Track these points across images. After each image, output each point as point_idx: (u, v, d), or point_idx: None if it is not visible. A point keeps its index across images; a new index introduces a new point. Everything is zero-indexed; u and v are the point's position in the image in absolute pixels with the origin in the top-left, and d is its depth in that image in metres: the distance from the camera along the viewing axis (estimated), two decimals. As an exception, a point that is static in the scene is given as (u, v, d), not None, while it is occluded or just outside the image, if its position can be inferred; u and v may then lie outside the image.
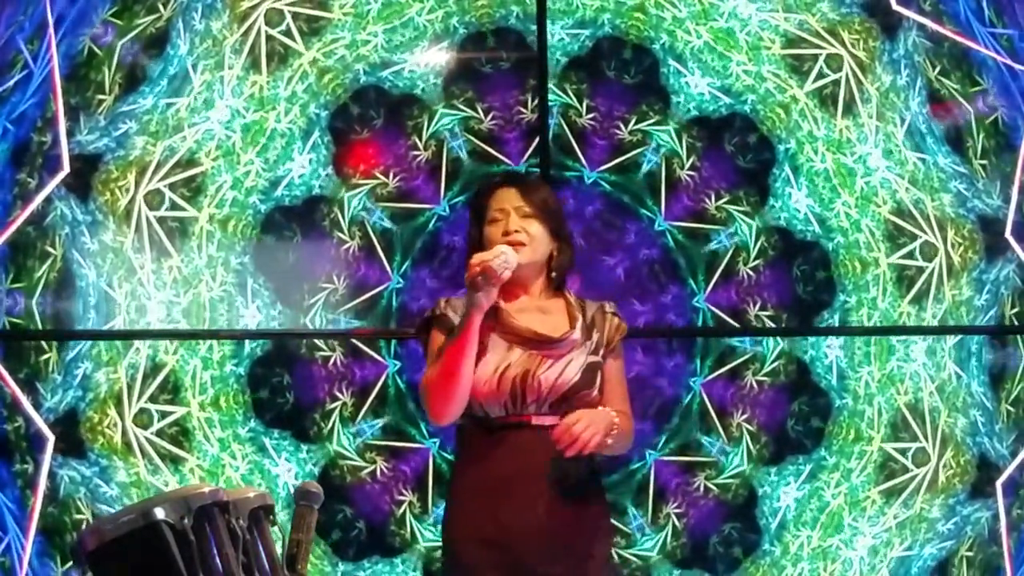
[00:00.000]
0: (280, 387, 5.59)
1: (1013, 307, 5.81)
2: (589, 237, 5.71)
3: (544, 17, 5.65)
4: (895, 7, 5.79)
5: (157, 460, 5.47)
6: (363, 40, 5.66)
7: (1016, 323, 5.80)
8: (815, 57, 5.78)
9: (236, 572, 2.76)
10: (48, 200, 5.48)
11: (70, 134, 5.50)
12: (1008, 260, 5.81)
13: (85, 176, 5.52)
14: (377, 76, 5.68)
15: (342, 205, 5.63)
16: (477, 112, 5.71)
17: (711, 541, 5.71)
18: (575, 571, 4.05)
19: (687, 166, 5.76)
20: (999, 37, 5.83)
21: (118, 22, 5.57)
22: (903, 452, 5.73)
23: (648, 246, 5.75)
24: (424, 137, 5.68)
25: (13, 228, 5.47)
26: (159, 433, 5.49)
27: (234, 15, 5.62)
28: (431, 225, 5.65)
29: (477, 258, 3.99)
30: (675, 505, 5.70)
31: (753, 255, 5.75)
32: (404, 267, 5.65)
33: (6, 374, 5.44)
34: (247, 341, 5.56)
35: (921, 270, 5.77)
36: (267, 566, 2.95)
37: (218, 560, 2.75)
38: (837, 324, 5.76)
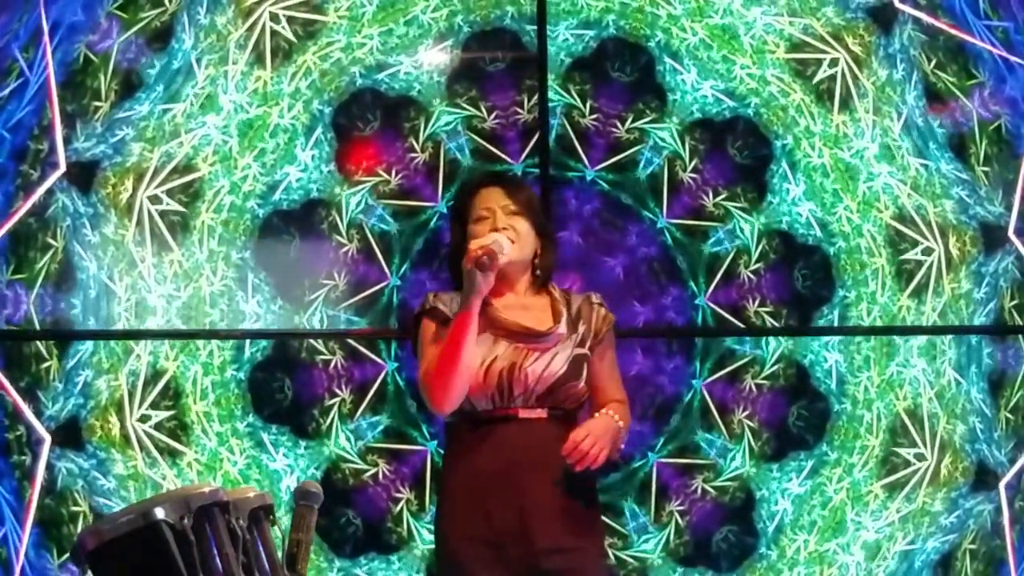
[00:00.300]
0: (280, 387, 5.59)
1: (1012, 299, 5.81)
2: (590, 237, 5.71)
3: (544, 17, 5.65)
4: (898, 5, 5.79)
5: (155, 453, 5.47)
6: (358, 43, 5.66)
7: (1016, 316, 5.79)
8: (819, 62, 5.77)
9: (236, 572, 2.76)
10: (50, 192, 5.48)
11: (67, 141, 5.49)
12: (1007, 252, 5.81)
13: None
14: (373, 79, 5.67)
15: (340, 208, 5.62)
16: (480, 111, 5.71)
17: (714, 539, 5.71)
18: (567, 565, 4.05)
19: (690, 168, 5.75)
20: (995, 30, 5.83)
21: (123, 15, 5.57)
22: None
23: (647, 244, 5.75)
24: (421, 139, 5.68)
25: (15, 219, 5.47)
26: (157, 427, 5.49)
27: (239, 10, 5.62)
28: (433, 223, 5.65)
29: (476, 243, 4.01)
30: (678, 503, 5.70)
31: (754, 258, 5.75)
32: (403, 269, 5.65)
33: (7, 382, 5.44)
34: (247, 345, 5.55)
35: (920, 264, 5.77)
36: (267, 566, 2.95)
37: (218, 560, 2.75)
38: (836, 319, 5.75)
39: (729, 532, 5.71)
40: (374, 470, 5.59)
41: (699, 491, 5.71)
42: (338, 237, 5.62)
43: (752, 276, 5.75)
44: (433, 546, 5.42)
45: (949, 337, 5.78)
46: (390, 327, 5.62)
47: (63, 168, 5.49)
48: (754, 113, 5.77)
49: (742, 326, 5.74)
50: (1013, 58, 5.81)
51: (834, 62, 5.77)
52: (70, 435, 5.46)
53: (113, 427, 5.47)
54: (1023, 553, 5.74)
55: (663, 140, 5.75)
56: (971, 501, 5.75)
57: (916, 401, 5.75)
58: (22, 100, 5.48)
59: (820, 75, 5.77)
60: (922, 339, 5.77)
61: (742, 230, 5.75)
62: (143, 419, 5.48)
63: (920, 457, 5.74)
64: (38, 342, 5.48)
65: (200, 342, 5.54)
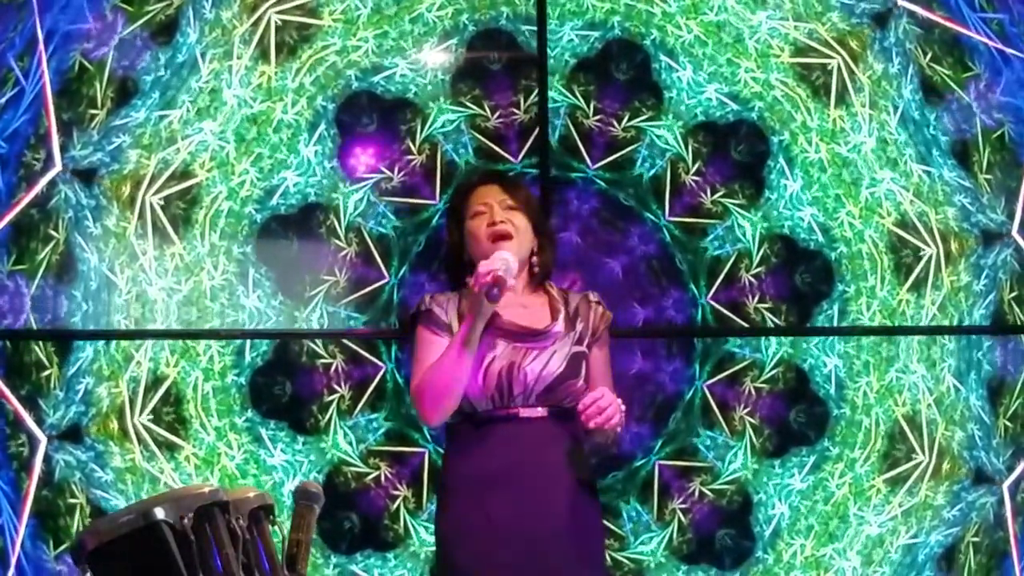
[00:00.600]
0: (281, 388, 5.60)
1: (1012, 291, 5.82)
2: (589, 237, 5.71)
3: (544, 18, 5.65)
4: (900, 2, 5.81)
5: (153, 447, 5.47)
6: (353, 46, 5.66)
7: (1015, 308, 5.79)
8: (823, 67, 5.77)
9: (236, 572, 2.77)
10: (52, 183, 5.48)
11: (63, 149, 5.49)
12: (1006, 244, 5.81)
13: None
14: (369, 82, 5.67)
15: (338, 211, 5.62)
16: (484, 109, 5.70)
17: (717, 536, 5.71)
18: (568, 565, 4.05)
19: (692, 171, 5.75)
20: (989, 22, 5.83)
21: (128, 8, 5.57)
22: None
23: (646, 242, 5.74)
24: (418, 141, 5.67)
25: (17, 210, 5.47)
26: (156, 421, 5.49)
27: (244, 5, 5.62)
28: (435, 221, 5.65)
29: (484, 267, 3.99)
30: (680, 501, 5.70)
31: (756, 262, 5.75)
32: (402, 272, 5.64)
33: (7, 391, 5.44)
34: (248, 350, 5.55)
35: (919, 258, 5.77)
36: (267, 566, 2.95)
37: (218, 560, 2.75)
38: (836, 314, 5.75)
39: (726, 535, 5.71)
40: (376, 473, 5.59)
41: (696, 494, 5.71)
42: (336, 241, 5.62)
43: (753, 280, 5.75)
44: (429, 544, 5.45)
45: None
46: (390, 326, 5.62)
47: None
48: (758, 117, 5.77)
49: (742, 323, 5.73)
50: (1009, 50, 5.81)
51: (832, 59, 5.78)
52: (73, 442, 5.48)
53: (113, 425, 5.48)
54: (1027, 544, 5.77)
55: (660, 138, 5.75)
56: (973, 494, 5.75)
57: (915, 407, 5.76)
58: (18, 109, 5.48)
59: (817, 70, 5.78)
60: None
61: (743, 231, 5.75)
62: (144, 428, 5.49)
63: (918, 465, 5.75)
64: (38, 350, 5.48)
65: (201, 347, 5.53)
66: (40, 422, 5.44)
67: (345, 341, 5.60)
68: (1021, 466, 5.77)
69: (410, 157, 5.67)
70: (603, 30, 5.75)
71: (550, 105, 5.68)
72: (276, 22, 5.62)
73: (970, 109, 5.83)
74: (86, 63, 5.54)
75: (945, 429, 5.75)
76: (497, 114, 5.70)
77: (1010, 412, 5.80)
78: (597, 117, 5.74)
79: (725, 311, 5.73)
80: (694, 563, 5.70)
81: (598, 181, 5.73)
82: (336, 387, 5.59)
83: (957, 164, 5.81)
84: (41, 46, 5.47)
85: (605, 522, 5.46)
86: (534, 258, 4.23)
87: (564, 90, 5.73)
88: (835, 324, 5.75)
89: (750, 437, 5.71)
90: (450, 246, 4.27)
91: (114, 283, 5.50)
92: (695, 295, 5.73)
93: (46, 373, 5.47)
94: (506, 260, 3.98)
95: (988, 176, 5.82)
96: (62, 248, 5.50)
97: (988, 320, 5.80)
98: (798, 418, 5.76)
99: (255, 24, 5.61)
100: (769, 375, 5.74)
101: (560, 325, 4.15)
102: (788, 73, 5.78)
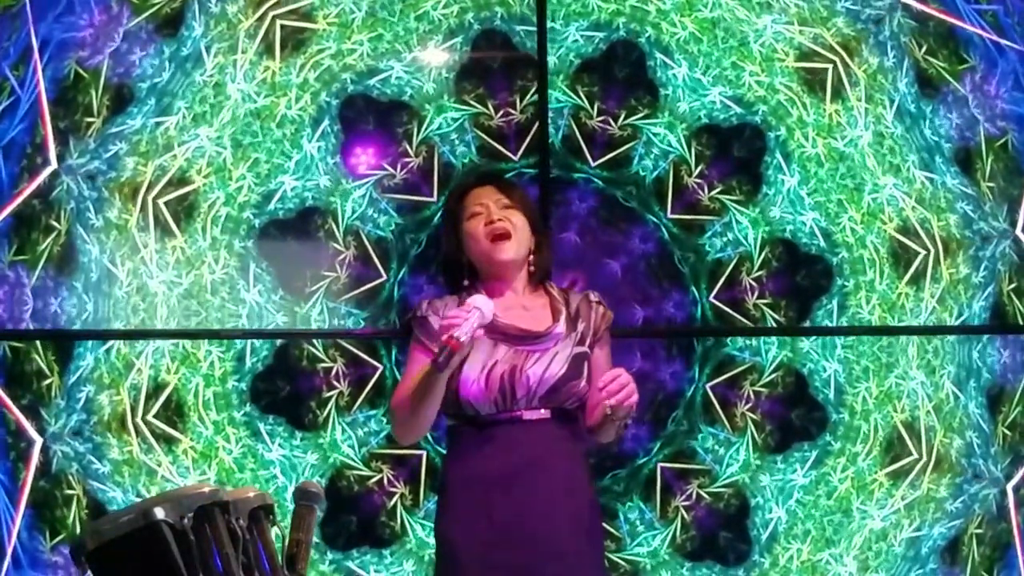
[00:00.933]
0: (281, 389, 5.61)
1: (1011, 283, 5.82)
2: (588, 236, 5.71)
3: (544, 18, 5.64)
4: (902, -2, 5.83)
5: (151, 439, 5.47)
6: (349, 49, 5.65)
7: (1015, 299, 5.79)
8: (826, 68, 5.77)
9: (236, 572, 2.77)
10: (55, 174, 5.48)
11: (60, 158, 5.48)
12: (1004, 236, 5.81)
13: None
14: (364, 84, 5.66)
15: (336, 215, 5.62)
16: (488, 108, 5.70)
17: (720, 533, 5.72)
18: (570, 567, 4.05)
19: (695, 173, 5.75)
20: (984, 14, 5.83)
21: (134, 0, 5.56)
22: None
23: (644, 241, 5.74)
24: (415, 143, 5.67)
25: (19, 200, 5.47)
26: (154, 414, 5.49)
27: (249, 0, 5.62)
28: (436, 219, 5.64)
29: (449, 321, 3.92)
30: (683, 499, 5.70)
31: (757, 265, 5.75)
32: (401, 274, 5.64)
33: (9, 401, 5.44)
34: (248, 355, 5.54)
35: (918, 252, 5.78)
36: (267, 566, 2.95)
37: (218, 560, 2.75)
38: (836, 308, 5.75)
39: (723, 538, 5.72)
40: (379, 476, 5.59)
41: (694, 496, 5.71)
42: (335, 244, 5.62)
43: (754, 283, 5.75)
44: (426, 542, 5.45)
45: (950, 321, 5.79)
46: (391, 324, 5.62)
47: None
48: (761, 120, 5.77)
49: (742, 319, 5.72)
50: (1004, 41, 5.81)
51: (832, 60, 5.78)
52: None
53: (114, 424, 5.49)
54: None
55: (657, 136, 5.74)
56: (976, 486, 5.75)
57: (914, 413, 5.76)
58: (14, 119, 5.48)
59: (821, 74, 5.78)
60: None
61: (743, 231, 5.74)
62: (145, 435, 5.50)
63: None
64: (39, 359, 5.47)
65: (201, 353, 5.53)
66: (42, 431, 5.44)
67: (346, 345, 5.60)
68: (1021, 472, 5.78)
69: (407, 159, 5.67)
70: (608, 31, 5.75)
71: (554, 105, 5.68)
72: (278, 25, 5.62)
73: (974, 117, 5.83)
74: (81, 71, 5.53)
75: (944, 436, 5.75)
76: (501, 113, 5.70)
77: (1009, 420, 5.80)
78: (601, 118, 5.74)
79: (724, 307, 5.73)
80: (698, 560, 5.70)
81: (595, 180, 5.72)
82: (335, 383, 5.59)
83: (960, 171, 5.81)
84: (36, 55, 5.46)
85: (604, 525, 5.49)
86: (531, 256, 4.22)
87: (568, 91, 5.72)
88: (835, 318, 5.74)
89: (752, 433, 5.71)
90: (447, 251, 4.27)
91: (115, 276, 5.50)
92: (696, 297, 5.73)
93: (47, 382, 5.47)
94: (479, 310, 3.93)
95: (991, 184, 5.82)
96: (64, 239, 5.49)
97: (988, 312, 5.80)
98: (796, 422, 5.76)
99: (260, 19, 5.60)
100: (768, 379, 5.73)
101: (561, 326, 4.15)
102: (792, 77, 5.77)
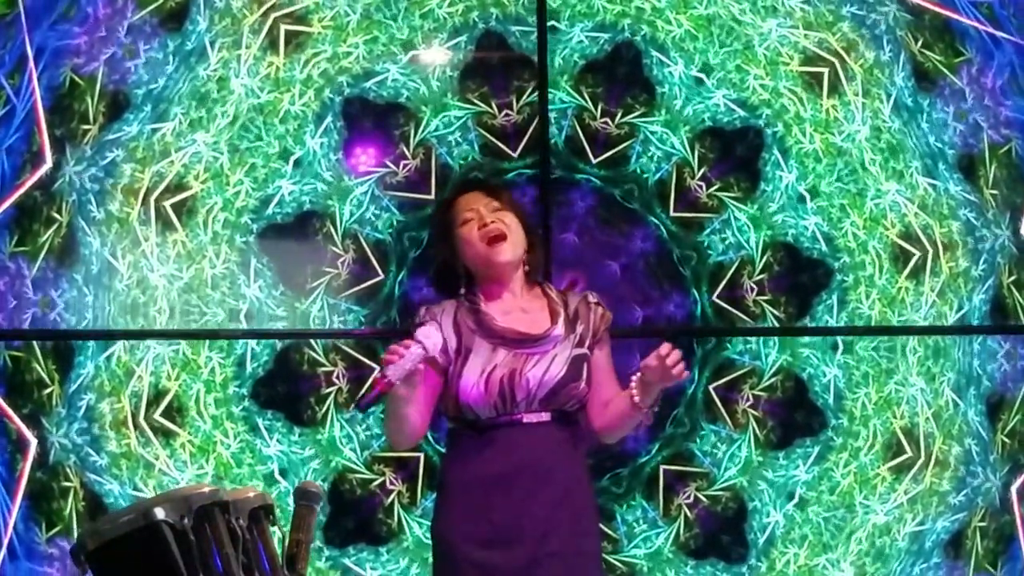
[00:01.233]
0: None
1: (1011, 275, 5.82)
2: (592, 238, 5.71)
3: (544, 18, 5.64)
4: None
5: (149, 433, 5.46)
6: (344, 52, 5.65)
7: (1015, 291, 5.79)
8: (831, 75, 5.78)
9: (236, 572, 2.77)
10: (57, 166, 5.47)
11: (57, 166, 5.48)
12: (1003, 229, 5.82)
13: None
14: (361, 87, 5.66)
15: (334, 219, 5.61)
16: (491, 107, 5.70)
17: (718, 536, 5.72)
18: (569, 569, 4.04)
19: (698, 176, 5.75)
20: (979, 6, 5.84)
21: (138, -5, 5.58)
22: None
23: (643, 240, 5.74)
24: (412, 144, 5.67)
25: (20, 192, 5.46)
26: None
27: (253, -4, 5.63)
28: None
29: (386, 357, 3.94)
30: (686, 496, 5.70)
31: (758, 269, 5.75)
32: (400, 276, 5.63)
33: (10, 411, 5.44)
34: (249, 360, 5.54)
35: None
36: (267, 566, 2.95)
37: (218, 560, 2.75)
38: (836, 303, 5.75)
39: (722, 540, 5.72)
40: (381, 479, 5.59)
41: (692, 499, 5.71)
42: (333, 248, 5.61)
43: (755, 286, 5.75)
44: (423, 539, 5.45)
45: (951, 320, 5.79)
46: (391, 324, 5.61)
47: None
48: (765, 124, 5.77)
49: (742, 316, 5.71)
50: (1000, 33, 5.81)
51: (834, 63, 5.78)
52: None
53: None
54: (1033, 528, 5.78)
55: (654, 134, 5.74)
56: (978, 479, 5.75)
57: (913, 420, 5.76)
58: (10, 127, 5.47)
59: (809, 65, 5.78)
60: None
61: (746, 236, 5.74)
62: (147, 435, 5.50)
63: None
64: (39, 368, 5.47)
65: (202, 359, 5.52)
66: (43, 440, 5.43)
67: (346, 348, 5.59)
68: (1020, 480, 5.79)
69: (405, 161, 5.66)
70: (612, 32, 5.75)
71: (556, 106, 5.67)
72: (280, 26, 5.62)
73: (977, 123, 5.84)
74: (77, 78, 5.52)
75: (943, 443, 5.75)
76: (504, 112, 5.70)
77: (1008, 428, 5.80)
78: (603, 119, 5.74)
79: (724, 304, 5.72)
80: (702, 558, 5.70)
81: (593, 179, 5.72)
82: (334, 380, 5.58)
83: (963, 178, 5.81)
84: (31, 63, 5.46)
85: (601, 526, 5.49)
86: (524, 256, 4.22)
87: (572, 91, 5.72)
88: (835, 313, 5.74)
89: (754, 429, 5.71)
90: (442, 260, 4.27)
91: (115, 269, 5.49)
92: (696, 298, 5.73)
93: (47, 391, 5.46)
94: (422, 346, 3.93)
95: (994, 191, 5.82)
96: (65, 231, 5.49)
97: (988, 305, 5.81)
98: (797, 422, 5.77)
99: (265, 14, 5.60)
100: (768, 383, 5.73)
101: (560, 328, 4.14)
102: (797, 81, 5.77)
